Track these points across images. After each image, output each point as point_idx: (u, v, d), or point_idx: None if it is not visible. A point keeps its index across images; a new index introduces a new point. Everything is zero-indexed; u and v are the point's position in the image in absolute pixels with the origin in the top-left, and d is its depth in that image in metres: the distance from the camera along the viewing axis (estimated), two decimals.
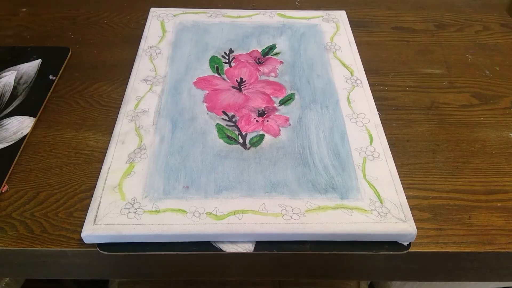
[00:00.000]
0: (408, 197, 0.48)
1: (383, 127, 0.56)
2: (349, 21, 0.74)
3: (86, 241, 0.44)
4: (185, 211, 0.46)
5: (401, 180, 0.49)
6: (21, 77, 0.62)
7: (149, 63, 0.64)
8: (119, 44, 0.71)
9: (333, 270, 0.50)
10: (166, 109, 0.57)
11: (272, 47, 0.69)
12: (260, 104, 0.59)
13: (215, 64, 0.65)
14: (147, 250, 0.45)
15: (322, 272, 0.51)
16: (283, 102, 0.59)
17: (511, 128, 0.59)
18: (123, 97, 0.59)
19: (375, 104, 0.59)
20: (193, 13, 0.75)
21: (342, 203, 0.47)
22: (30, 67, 0.64)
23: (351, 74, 0.64)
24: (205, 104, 0.59)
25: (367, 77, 0.63)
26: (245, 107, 0.58)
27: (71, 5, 0.79)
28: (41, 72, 0.64)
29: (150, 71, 0.63)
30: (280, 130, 0.56)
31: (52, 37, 0.72)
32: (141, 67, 0.63)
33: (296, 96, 0.60)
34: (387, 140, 0.54)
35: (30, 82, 0.62)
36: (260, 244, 0.45)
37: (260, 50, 0.68)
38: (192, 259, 0.47)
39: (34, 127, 0.56)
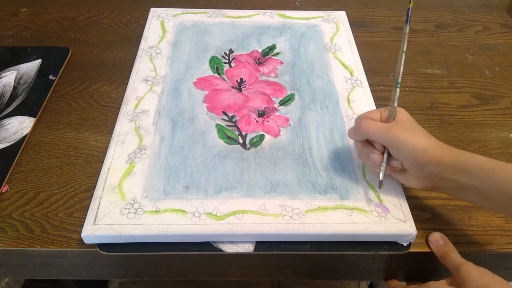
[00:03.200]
0: (408, 198, 0.48)
1: None
2: (349, 21, 0.74)
3: (86, 241, 0.44)
4: (185, 211, 0.46)
5: None
6: (21, 77, 0.62)
7: (149, 63, 0.64)
8: (119, 44, 0.71)
9: (333, 270, 0.50)
10: (166, 109, 0.57)
11: (272, 47, 0.69)
12: (260, 104, 0.59)
13: (215, 64, 0.65)
14: (147, 250, 0.45)
15: (322, 272, 0.51)
16: (283, 102, 0.59)
17: (511, 128, 0.59)
18: (123, 97, 0.59)
19: (375, 104, 0.59)
20: (193, 13, 0.75)
21: (342, 204, 0.47)
22: (30, 67, 0.64)
23: (351, 75, 0.64)
24: (205, 104, 0.59)
25: (367, 77, 0.63)
26: (245, 107, 0.58)
27: (71, 5, 0.79)
28: (41, 72, 0.64)
29: (150, 71, 0.63)
30: (280, 130, 0.56)
31: (52, 37, 0.72)
32: (141, 67, 0.63)
33: (296, 97, 0.60)
34: None
35: (30, 82, 0.62)
36: (260, 244, 0.45)
37: (260, 50, 0.68)
38: (192, 259, 0.47)
39: (34, 127, 0.56)
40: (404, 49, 0.47)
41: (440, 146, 0.44)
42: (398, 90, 0.46)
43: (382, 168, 0.46)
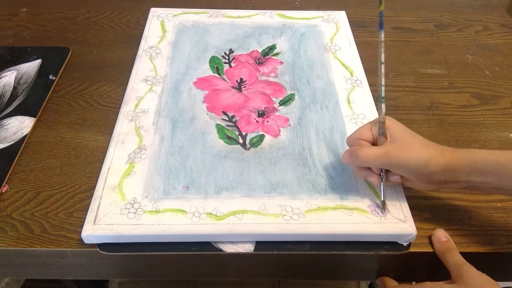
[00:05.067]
0: (408, 198, 0.48)
1: None
2: (349, 21, 0.74)
3: (86, 241, 0.44)
4: (185, 211, 0.46)
5: None
6: (21, 77, 0.62)
7: (149, 63, 0.64)
8: (119, 44, 0.71)
9: (333, 270, 0.50)
10: (166, 109, 0.57)
11: (272, 47, 0.69)
12: (260, 104, 0.59)
13: (215, 64, 0.65)
14: (147, 250, 0.45)
15: (322, 272, 0.51)
16: (283, 102, 0.59)
17: (511, 128, 0.59)
18: (123, 97, 0.59)
19: (375, 104, 0.59)
20: (193, 13, 0.75)
21: (342, 204, 0.47)
22: (30, 67, 0.64)
23: (351, 75, 0.64)
24: (205, 104, 0.59)
25: (367, 77, 0.63)
26: (245, 107, 0.58)
27: (71, 5, 0.79)
28: (41, 72, 0.64)
29: (150, 71, 0.63)
30: (280, 130, 0.56)
31: (52, 37, 0.72)
32: (141, 67, 0.63)
33: (296, 97, 0.60)
34: None
35: (30, 82, 0.62)
36: (260, 244, 0.45)
37: (260, 50, 0.68)
38: (192, 259, 0.47)
39: (34, 127, 0.56)
40: (382, 59, 0.44)
41: (442, 153, 0.43)
42: (383, 105, 0.45)
43: (381, 189, 0.46)
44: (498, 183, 0.41)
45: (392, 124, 0.45)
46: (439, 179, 0.43)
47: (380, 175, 0.46)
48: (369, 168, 0.46)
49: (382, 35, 0.44)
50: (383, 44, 0.44)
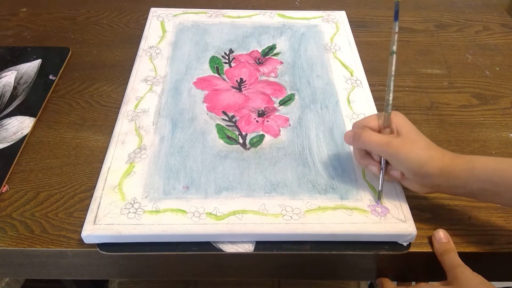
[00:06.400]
0: (408, 197, 0.48)
1: None
2: (349, 21, 0.74)
3: (86, 241, 0.44)
4: (185, 211, 0.46)
5: None
6: (21, 77, 0.62)
7: (149, 63, 0.64)
8: (119, 44, 0.71)
9: (333, 270, 0.50)
10: (166, 109, 0.57)
11: (272, 47, 0.69)
12: (260, 104, 0.59)
13: (215, 64, 0.65)
14: (147, 250, 0.45)
15: (322, 272, 0.51)
16: (283, 102, 0.59)
17: (511, 128, 0.59)
18: (123, 97, 0.59)
19: (375, 104, 0.59)
20: (193, 13, 0.75)
21: (342, 204, 0.47)
22: (30, 67, 0.64)
23: (351, 75, 0.64)
24: (205, 104, 0.59)
25: (367, 77, 0.63)
26: (245, 107, 0.58)
27: (71, 5, 0.79)
28: (41, 72, 0.64)
29: (150, 71, 0.63)
30: (280, 130, 0.56)
31: (52, 37, 0.72)
32: (141, 67, 0.63)
33: (296, 97, 0.60)
34: None
35: (30, 82, 0.62)
36: (260, 244, 0.45)
37: (260, 50, 0.68)
38: (192, 259, 0.47)
39: (34, 127, 0.56)
40: (394, 48, 0.44)
41: (441, 157, 0.43)
42: (391, 97, 0.45)
43: (380, 178, 0.46)
44: (495, 190, 0.41)
45: (401, 120, 0.46)
46: (433, 182, 0.43)
47: (380, 163, 0.46)
48: (371, 156, 0.47)
49: (397, 26, 0.43)
50: (396, 35, 0.43)
